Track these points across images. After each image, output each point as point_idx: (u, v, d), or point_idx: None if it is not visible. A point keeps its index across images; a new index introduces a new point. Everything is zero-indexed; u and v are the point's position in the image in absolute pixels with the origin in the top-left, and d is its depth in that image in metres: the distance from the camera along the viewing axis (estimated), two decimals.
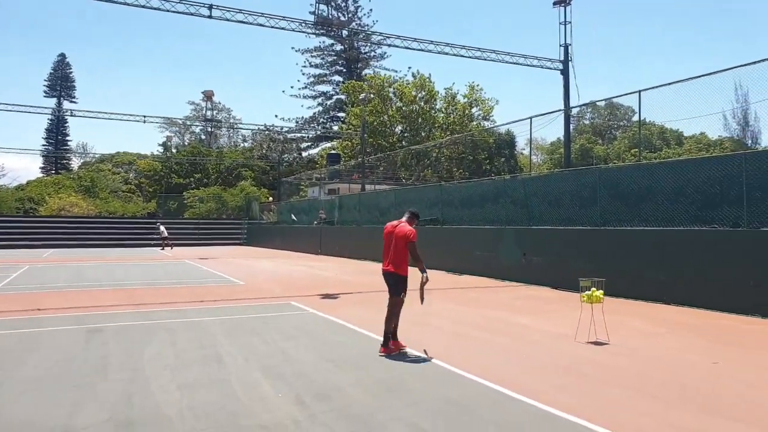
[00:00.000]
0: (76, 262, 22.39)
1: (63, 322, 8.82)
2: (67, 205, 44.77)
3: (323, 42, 68.25)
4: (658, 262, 11.13)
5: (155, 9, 20.02)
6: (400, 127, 50.28)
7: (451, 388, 5.38)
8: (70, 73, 78.11)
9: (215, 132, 76.82)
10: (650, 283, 11.23)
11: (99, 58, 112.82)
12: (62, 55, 77.80)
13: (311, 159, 65.87)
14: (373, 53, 70.66)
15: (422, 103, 48.31)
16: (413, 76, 49.43)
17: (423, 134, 47.92)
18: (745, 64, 11.12)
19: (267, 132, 58.44)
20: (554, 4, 24.75)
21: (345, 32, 32.41)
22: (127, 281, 15.18)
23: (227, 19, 21.07)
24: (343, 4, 68.42)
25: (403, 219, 6.98)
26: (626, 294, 11.45)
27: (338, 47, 69.16)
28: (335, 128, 63.35)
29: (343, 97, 62.48)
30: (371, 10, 77.73)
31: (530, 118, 17.21)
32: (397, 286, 6.78)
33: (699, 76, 12.04)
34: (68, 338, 7.60)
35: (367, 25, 67.21)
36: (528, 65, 26.09)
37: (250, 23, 21.71)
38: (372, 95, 46.20)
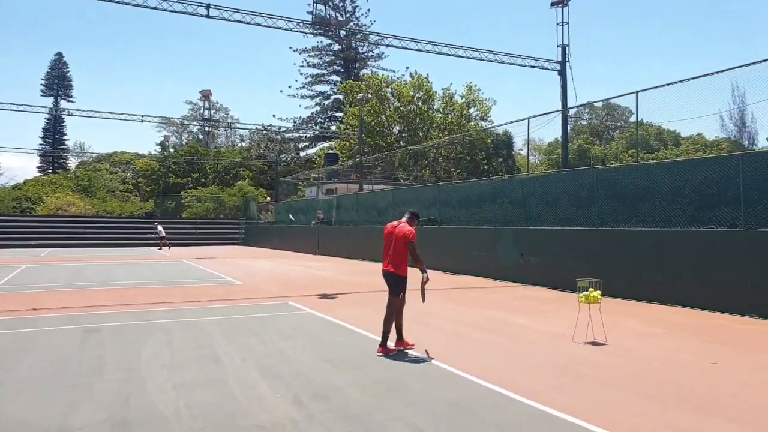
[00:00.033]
0: (73, 262, 22.34)
1: (59, 322, 8.79)
2: (64, 205, 44.64)
3: (321, 42, 68.32)
4: (656, 262, 11.15)
5: (153, 8, 19.99)
6: (397, 127, 50.29)
7: (450, 388, 5.38)
8: (67, 72, 77.96)
9: (213, 132, 76.74)
10: (647, 284, 11.25)
11: (97, 58, 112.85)
12: (59, 54, 77.71)
13: (309, 159, 65.84)
14: (370, 53, 70.73)
15: (420, 104, 48.32)
16: (411, 76, 49.47)
17: (421, 134, 47.94)
18: (743, 65, 11.15)
19: (265, 132, 58.37)
20: (552, 4, 24.76)
21: (343, 32, 32.36)
22: (124, 281, 15.15)
23: (225, 19, 21.05)
24: (341, 4, 68.45)
25: (403, 219, 6.99)
26: (624, 294, 11.47)
27: (336, 47, 69.14)
28: (333, 128, 63.34)
29: (340, 97, 62.46)
30: (369, 10, 77.74)
31: (528, 118, 17.25)
32: (396, 286, 6.79)
33: (696, 77, 12.08)
34: (64, 338, 7.58)
35: (365, 25, 67.26)
36: (526, 66, 26.12)
37: (248, 23, 21.68)
38: (370, 95, 46.21)
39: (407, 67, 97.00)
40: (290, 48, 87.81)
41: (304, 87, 70.79)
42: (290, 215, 35.02)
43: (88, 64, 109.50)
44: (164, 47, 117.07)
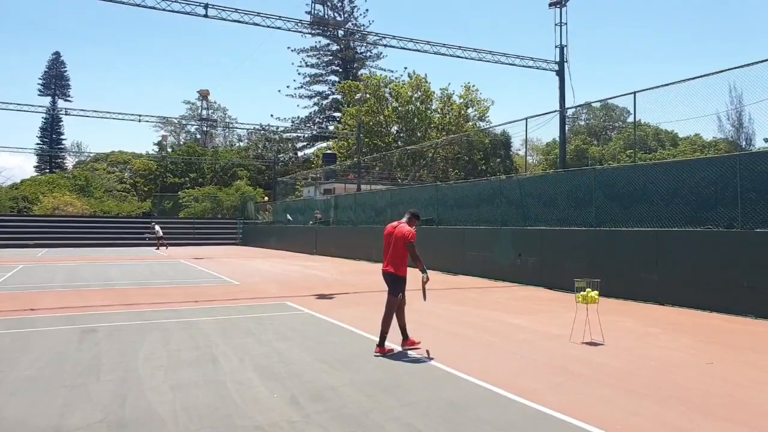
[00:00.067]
0: (70, 262, 22.29)
1: (56, 322, 8.78)
2: (61, 205, 44.56)
3: (319, 42, 68.26)
4: (653, 262, 11.17)
5: (151, 8, 19.92)
6: (395, 127, 50.27)
7: (447, 388, 5.38)
8: (65, 71, 77.76)
9: (211, 131, 76.65)
10: (645, 284, 11.27)
11: (94, 57, 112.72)
12: (57, 54, 77.50)
13: (307, 159, 65.79)
14: (369, 53, 70.68)
15: (418, 104, 48.32)
16: (409, 76, 49.47)
17: (419, 134, 47.94)
18: (740, 66, 11.17)
19: (263, 131, 58.34)
20: (550, 5, 24.75)
21: (341, 32, 32.32)
22: (121, 281, 15.12)
23: (223, 19, 20.99)
24: (339, 4, 68.36)
25: (404, 220, 7.02)
26: (621, 294, 11.49)
27: (334, 47, 69.06)
28: (331, 128, 63.30)
29: (339, 96, 62.42)
30: (367, 10, 77.80)
31: (526, 118, 17.25)
32: (395, 286, 6.80)
33: (694, 78, 12.09)
34: (61, 338, 7.56)
35: (363, 25, 67.19)
36: (524, 66, 26.10)
37: (246, 23, 21.62)
38: (368, 95, 46.20)
39: (405, 67, 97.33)
40: (288, 48, 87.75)
41: (302, 87, 70.78)
42: (288, 215, 35.00)
43: (85, 63, 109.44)
44: (162, 47, 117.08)
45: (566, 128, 26.97)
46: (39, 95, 76.01)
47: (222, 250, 33.67)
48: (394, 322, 6.86)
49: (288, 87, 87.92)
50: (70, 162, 76.35)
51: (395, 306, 6.82)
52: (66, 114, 44.22)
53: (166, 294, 12.46)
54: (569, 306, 9.25)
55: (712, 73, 11.77)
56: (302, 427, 4.31)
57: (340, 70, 71.19)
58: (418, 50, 24.64)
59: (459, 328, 8.55)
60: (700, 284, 10.29)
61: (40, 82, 76.54)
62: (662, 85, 12.80)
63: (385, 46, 25.44)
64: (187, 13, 20.41)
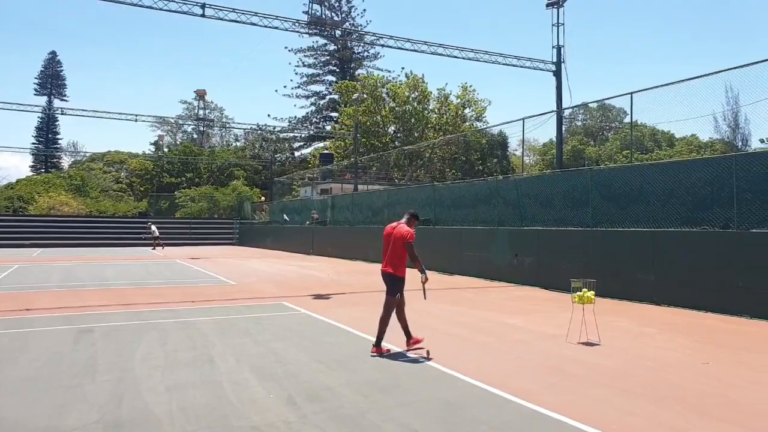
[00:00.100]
0: (66, 262, 22.23)
1: (52, 322, 8.75)
2: (57, 204, 44.41)
3: (316, 42, 68.19)
4: (649, 263, 11.21)
5: (148, 8, 19.89)
6: (393, 128, 50.25)
7: (444, 388, 5.38)
8: (61, 71, 77.54)
9: (207, 131, 76.51)
10: (641, 284, 11.30)
11: (91, 57, 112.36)
12: (53, 53, 77.28)
13: (304, 159, 65.73)
14: (366, 53, 70.65)
15: (415, 104, 48.32)
16: (406, 76, 49.42)
17: (416, 134, 47.93)
18: (736, 67, 11.20)
19: (259, 131, 58.26)
20: (547, 5, 24.81)
21: (338, 32, 32.34)
22: (117, 281, 15.09)
23: (220, 19, 20.97)
24: (337, 4, 68.33)
25: (403, 220, 7.05)
26: (617, 295, 11.52)
27: (331, 47, 69.03)
28: (328, 128, 63.27)
29: (336, 97, 62.38)
30: (365, 10, 77.38)
31: (523, 119, 17.27)
32: (393, 286, 6.81)
33: (690, 79, 12.12)
34: (58, 338, 7.54)
35: (361, 26, 67.20)
36: (521, 66, 26.15)
37: (243, 22, 21.61)
38: (365, 95, 46.17)
39: (403, 68, 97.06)
40: (286, 48, 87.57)
41: (299, 87, 70.72)
42: (285, 215, 34.97)
43: (82, 63, 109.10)
44: (159, 47, 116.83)
45: (563, 129, 27.05)
46: (35, 95, 75.94)
47: (218, 250, 33.62)
48: (393, 322, 6.86)
49: (285, 87, 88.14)
50: (66, 162, 76.22)
51: (393, 306, 6.83)
52: (62, 113, 44.17)
53: (162, 294, 12.44)
54: (565, 306, 9.27)
55: (709, 74, 11.81)
56: (299, 428, 4.31)
57: (338, 70, 71.16)
58: (415, 50, 24.66)
59: (455, 328, 8.56)
60: (696, 284, 10.32)
61: (36, 81, 76.43)
62: (659, 86, 12.84)
63: (383, 46, 25.46)
64: (184, 13, 20.39)
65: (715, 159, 11.65)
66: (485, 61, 26.00)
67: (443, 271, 17.21)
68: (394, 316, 6.86)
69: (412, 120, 48.25)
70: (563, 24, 24.40)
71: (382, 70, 63.30)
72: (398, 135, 49.91)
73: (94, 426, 4.31)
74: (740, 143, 33.90)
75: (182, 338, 7.60)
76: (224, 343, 7.32)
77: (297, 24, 23.34)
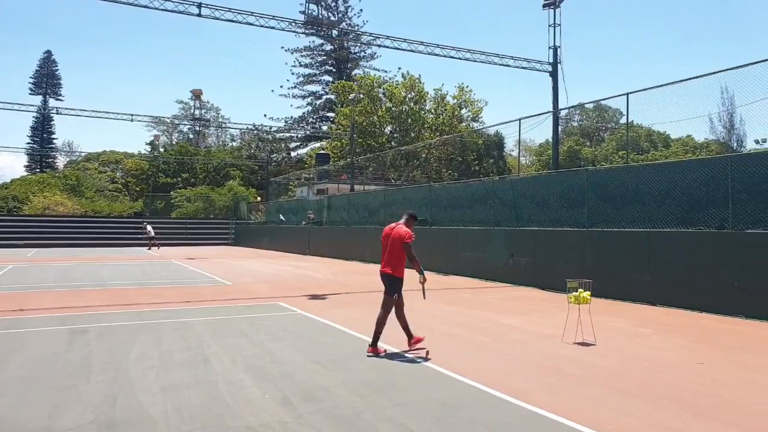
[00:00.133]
0: (61, 262, 22.14)
1: (47, 323, 8.71)
2: (52, 204, 44.22)
3: (313, 42, 68.16)
4: (645, 263, 11.23)
5: (144, 7, 19.83)
6: (389, 128, 50.27)
7: (440, 388, 5.37)
8: (56, 70, 77.23)
9: (203, 131, 76.33)
10: (636, 285, 11.32)
11: (87, 56, 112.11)
12: (48, 52, 76.94)
13: (300, 159, 65.66)
14: (362, 53, 70.66)
15: (412, 104, 48.35)
16: (403, 76, 49.45)
17: (412, 135, 47.96)
18: (732, 68, 11.23)
19: (256, 131, 58.15)
20: (544, 6, 24.85)
21: (335, 32, 32.33)
22: (112, 281, 15.03)
23: (216, 18, 20.92)
24: (333, 4, 68.36)
25: (401, 221, 7.05)
26: (613, 295, 11.54)
27: (328, 47, 69.02)
28: (324, 128, 63.21)
29: (332, 97, 62.37)
30: (361, 10, 77.81)
31: (519, 119, 17.28)
32: (391, 287, 6.81)
33: (686, 80, 12.15)
34: (52, 339, 7.50)
35: (357, 26, 67.24)
36: (517, 67, 26.18)
37: (240, 22, 21.56)
38: (361, 95, 46.16)
39: (399, 68, 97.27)
40: (282, 48, 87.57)
41: (295, 87, 70.69)
42: (281, 215, 34.91)
43: (77, 62, 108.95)
44: (155, 46, 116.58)
45: (559, 129, 27.09)
46: (30, 94, 75.56)
47: (214, 250, 33.54)
48: (390, 323, 6.85)
49: (281, 87, 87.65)
50: (61, 161, 75.95)
51: (391, 307, 6.82)
52: (57, 113, 43.81)
53: (157, 294, 12.40)
54: (561, 306, 9.28)
55: (705, 75, 11.83)
56: (294, 428, 4.29)
57: (334, 70, 71.14)
58: (411, 50, 24.67)
59: (452, 328, 8.56)
60: (691, 285, 10.35)
61: (32, 80, 76.08)
62: (655, 87, 12.86)
63: (379, 46, 25.46)
64: (180, 12, 20.33)
65: (711, 160, 11.68)
66: (482, 62, 26.04)
67: (440, 272, 17.21)
68: (392, 316, 6.86)
69: (409, 120, 48.28)
70: (560, 25, 24.45)
71: (378, 71, 63.44)
72: (395, 135, 49.93)
73: (88, 426, 4.28)
74: (735, 144, 34.06)
75: (177, 338, 7.57)
76: (219, 343, 7.29)
77: (293, 24, 23.31)
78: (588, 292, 7.45)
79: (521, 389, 5.31)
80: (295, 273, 18.33)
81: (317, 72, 71.56)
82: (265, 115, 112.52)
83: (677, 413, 4.70)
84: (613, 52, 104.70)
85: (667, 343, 7.57)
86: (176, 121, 72.16)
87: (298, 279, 16.29)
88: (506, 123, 22.12)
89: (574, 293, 7.44)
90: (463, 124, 49.54)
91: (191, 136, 76.89)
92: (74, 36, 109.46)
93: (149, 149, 72.58)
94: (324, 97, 70.13)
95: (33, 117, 74.40)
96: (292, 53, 69.95)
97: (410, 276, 6.89)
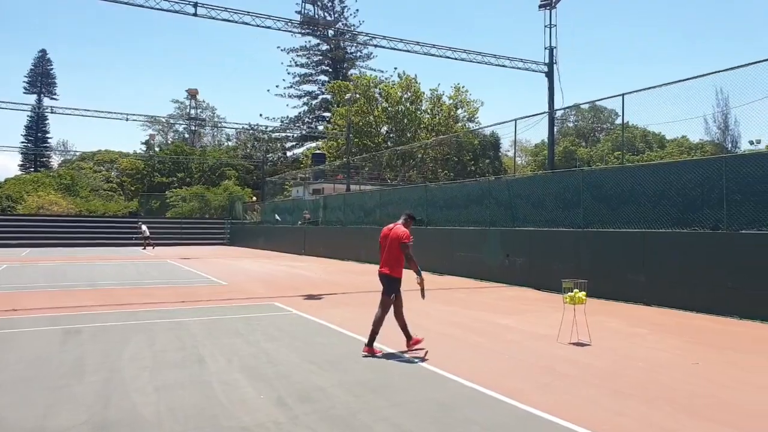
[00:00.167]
0: (55, 262, 22.03)
1: (40, 323, 8.65)
2: (46, 204, 44.00)
3: (309, 41, 68.09)
4: (640, 263, 11.25)
5: (139, 6, 19.75)
6: (385, 128, 50.25)
7: (435, 389, 5.37)
8: (51, 69, 76.90)
9: (199, 131, 76.13)
10: (631, 285, 11.35)
11: (82, 55, 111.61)
12: (43, 51, 76.64)
13: (296, 159, 65.56)
14: (359, 53, 70.62)
15: (408, 104, 48.35)
16: (399, 76, 49.47)
17: (408, 135, 47.96)
18: (727, 69, 11.28)
19: (251, 131, 58.07)
20: (540, 6, 24.89)
21: (331, 32, 32.25)
22: (106, 281, 14.96)
23: (212, 17, 20.85)
24: (330, 4, 68.26)
25: (399, 221, 7.06)
26: (608, 295, 11.56)
27: (324, 47, 68.93)
28: (320, 128, 63.17)
29: (328, 96, 62.31)
30: (358, 10, 77.72)
31: (515, 120, 17.32)
32: (389, 287, 6.80)
33: (681, 80, 12.20)
34: (45, 339, 7.46)
35: (354, 26, 67.13)
36: (513, 67, 26.20)
37: (236, 21, 21.51)
38: (358, 95, 46.14)
39: (395, 68, 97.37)
40: (278, 47, 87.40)
41: (291, 86, 70.56)
42: (276, 215, 34.85)
43: (77, 62, 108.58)
44: (151, 45, 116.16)
45: (555, 130, 27.13)
46: (24, 93, 75.22)
47: (209, 250, 33.46)
48: (387, 323, 6.83)
49: (277, 87, 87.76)
50: (55, 161, 75.63)
51: (389, 307, 6.81)
52: (52, 112, 43.51)
53: (152, 294, 12.35)
54: (556, 306, 9.29)
55: (700, 76, 11.88)
56: (289, 428, 4.27)
57: (330, 69, 71.08)
58: (408, 51, 24.67)
59: (447, 328, 8.55)
60: (686, 285, 10.37)
61: (26, 79, 75.76)
62: (650, 87, 12.91)
63: (375, 46, 25.45)
64: (176, 12, 20.26)
65: (706, 160, 11.72)
66: (478, 62, 26.05)
67: (435, 272, 17.21)
68: (390, 317, 6.84)
69: (405, 120, 48.28)
70: (555, 25, 24.50)
71: (374, 71, 63.32)
72: (391, 135, 49.91)
73: (81, 427, 4.25)
74: (730, 145, 34.20)
75: (171, 339, 7.54)
76: (214, 343, 7.27)
77: (290, 24, 23.27)
78: (583, 293, 7.46)
79: (516, 389, 5.31)
80: (291, 273, 18.29)
81: (313, 72, 71.52)
82: (261, 115, 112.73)
83: (672, 414, 4.71)
84: (612, 52, 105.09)
85: (661, 344, 7.59)
86: (171, 121, 71.96)
87: (293, 279, 16.26)
88: (502, 123, 22.23)
89: (569, 293, 7.45)
90: (459, 124, 49.60)
91: (187, 135, 76.68)
92: (74, 36, 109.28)
93: (144, 149, 72.37)
94: (320, 96, 70.06)
95: (27, 116, 74.15)
96: (288, 53, 69.89)
97: (408, 276, 6.88)
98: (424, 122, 48.80)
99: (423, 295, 6.91)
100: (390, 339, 7.05)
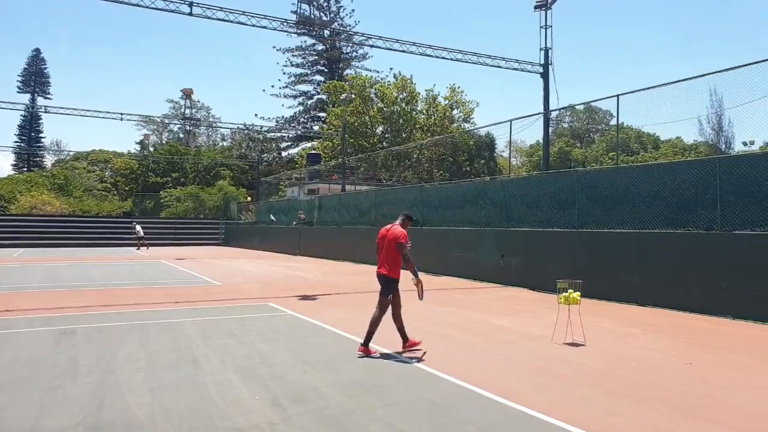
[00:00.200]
0: (48, 262, 21.91)
1: (33, 324, 8.60)
2: (39, 204, 43.73)
3: (305, 41, 68.04)
4: (634, 264, 11.29)
5: (134, 5, 19.69)
6: (381, 128, 50.28)
7: (430, 389, 5.37)
8: (45, 68, 76.51)
9: (194, 131, 75.90)
10: (626, 285, 11.39)
11: (76, 55, 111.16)
12: (37, 51, 76.23)
13: (291, 159, 65.48)
14: (354, 54, 70.64)
15: (403, 105, 48.38)
16: (395, 77, 49.50)
17: (404, 135, 47.99)
18: (721, 71, 11.32)
19: (246, 131, 57.94)
20: (535, 7, 24.95)
21: (327, 32, 32.25)
22: (100, 281, 14.89)
23: (207, 17, 20.83)
24: (325, 4, 68.25)
25: (397, 222, 7.06)
26: (603, 296, 11.60)
27: (320, 47, 68.91)
28: (316, 128, 63.11)
29: (324, 97, 62.29)
30: (353, 10, 77.69)
31: (510, 120, 17.33)
32: (387, 287, 6.80)
33: (676, 82, 12.23)
34: (38, 340, 7.41)
35: (349, 26, 67.14)
36: (508, 68, 26.29)
37: (231, 21, 21.49)
38: (353, 96, 46.13)
39: (391, 68, 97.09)
40: (274, 47, 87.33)
41: (287, 86, 70.51)
42: (271, 216, 34.78)
43: (77, 62, 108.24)
44: (146, 45, 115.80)
45: (550, 130, 27.21)
46: (18, 92, 74.80)
47: (204, 250, 33.36)
48: (384, 323, 6.83)
49: (273, 86, 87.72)
50: (49, 160, 75.20)
51: (386, 307, 6.80)
52: (45, 111, 43.29)
53: (146, 295, 12.30)
54: (551, 307, 9.31)
55: (694, 77, 11.91)
56: (283, 429, 4.26)
57: (326, 70, 71.04)
58: (403, 51, 24.71)
59: (443, 328, 8.55)
60: (680, 286, 10.42)
61: (20, 79, 75.31)
62: (645, 89, 12.94)
63: (371, 46, 25.45)
64: (171, 11, 20.22)
65: (700, 161, 11.77)
66: (473, 63, 26.12)
67: (430, 272, 17.21)
68: (387, 318, 6.84)
69: (400, 121, 48.31)
70: (551, 26, 24.57)
71: (370, 71, 63.43)
72: (386, 136, 49.94)
73: (76, 428, 4.23)
74: (724, 146, 34.37)
75: (166, 339, 7.51)
76: (208, 344, 7.24)
77: (285, 23, 23.25)
78: (578, 293, 7.48)
79: (511, 389, 5.31)
80: (286, 273, 18.26)
81: (309, 72, 71.48)
82: (256, 115, 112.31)
83: (665, 414, 4.72)
84: (607, 53, 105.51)
85: (655, 344, 7.61)
86: (166, 121, 71.70)
87: (288, 279, 16.23)
88: (497, 124, 22.27)
89: (564, 294, 7.47)
90: (455, 124, 49.66)
91: (181, 135, 76.44)
92: (74, 36, 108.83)
93: (139, 149, 72.09)
94: (315, 97, 70.04)
95: (21, 115, 73.69)
96: (283, 53, 69.87)
97: (406, 277, 6.88)
98: (420, 123, 48.85)
99: (421, 296, 6.93)
100: (385, 340, 7.04)
